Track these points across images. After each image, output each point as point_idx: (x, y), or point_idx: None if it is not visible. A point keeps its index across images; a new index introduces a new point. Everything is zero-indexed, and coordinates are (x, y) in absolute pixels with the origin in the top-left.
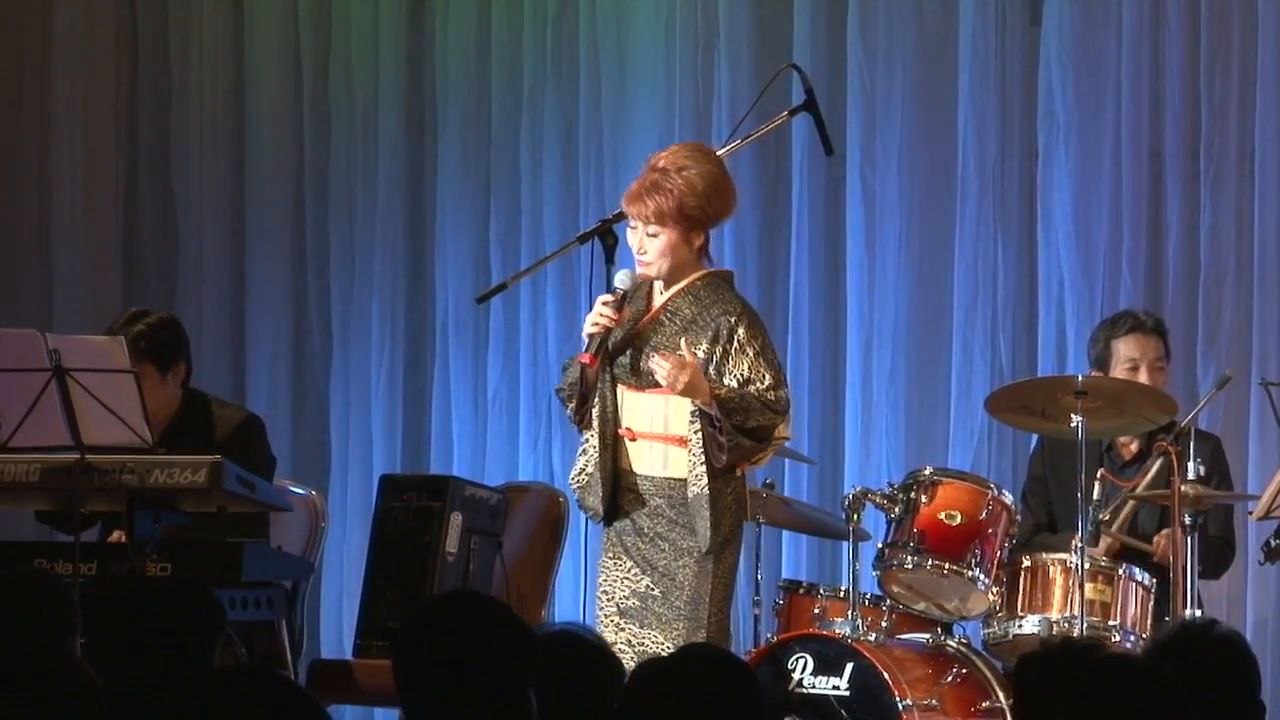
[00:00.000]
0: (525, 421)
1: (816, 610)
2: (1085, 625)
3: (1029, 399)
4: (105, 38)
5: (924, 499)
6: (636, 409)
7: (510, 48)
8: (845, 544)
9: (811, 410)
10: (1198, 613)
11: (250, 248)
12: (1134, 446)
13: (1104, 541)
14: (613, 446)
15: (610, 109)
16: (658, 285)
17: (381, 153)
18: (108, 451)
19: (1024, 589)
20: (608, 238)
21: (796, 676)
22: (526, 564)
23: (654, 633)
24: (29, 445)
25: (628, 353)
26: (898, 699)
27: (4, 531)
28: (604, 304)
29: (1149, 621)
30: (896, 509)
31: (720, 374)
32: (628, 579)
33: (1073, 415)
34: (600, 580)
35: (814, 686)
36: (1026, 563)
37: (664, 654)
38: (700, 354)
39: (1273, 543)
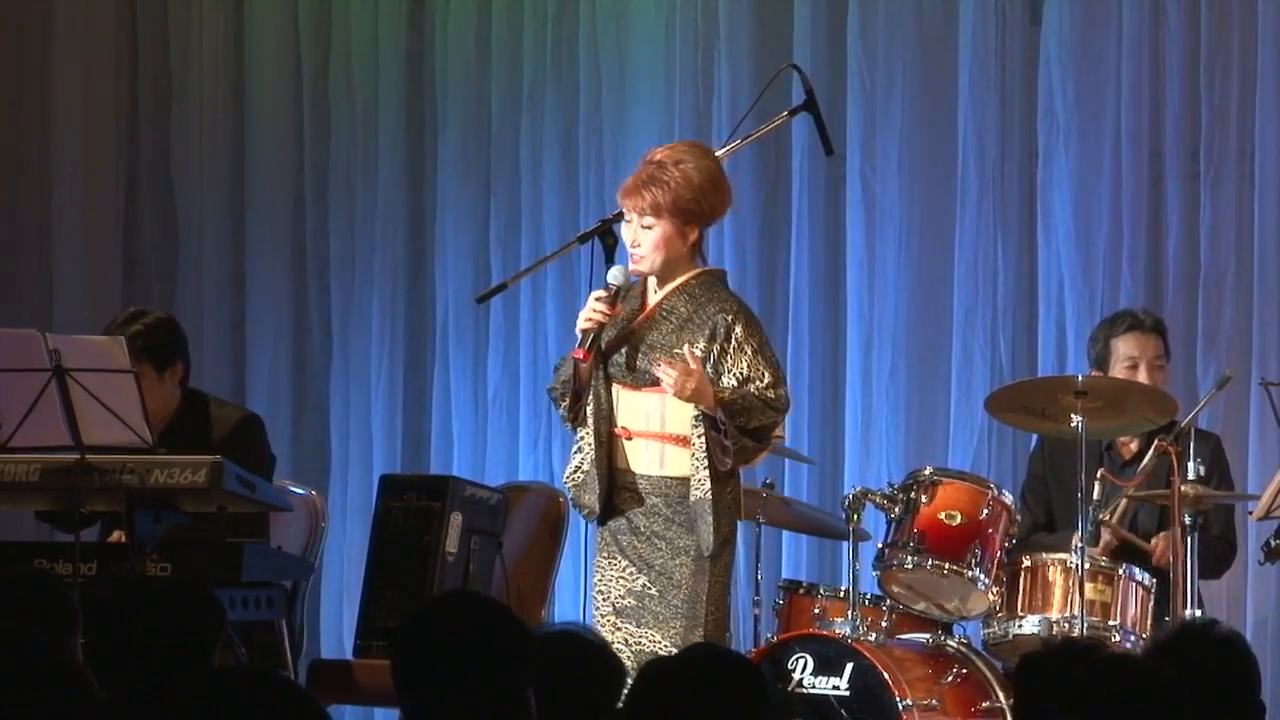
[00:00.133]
0: (525, 421)
1: (816, 610)
2: (1085, 625)
3: (1029, 399)
4: (105, 38)
5: (924, 499)
6: (633, 408)
7: (510, 48)
8: (845, 544)
9: (811, 410)
10: (1198, 613)
11: (250, 248)
12: (1134, 446)
13: (1103, 537)
14: (608, 445)
15: (610, 109)
16: (652, 284)
17: (381, 153)
18: (108, 451)
19: (1024, 589)
20: (608, 238)
21: (796, 676)
22: (526, 564)
23: (651, 632)
24: (29, 445)
25: (623, 351)
26: (898, 699)
27: (4, 531)
28: (597, 299)
29: (1149, 621)
30: (896, 509)
31: (719, 372)
32: (623, 578)
33: (1073, 415)
34: (595, 580)
35: (814, 686)
36: (1026, 563)
37: (662, 653)
38: (698, 353)
39: (1273, 543)
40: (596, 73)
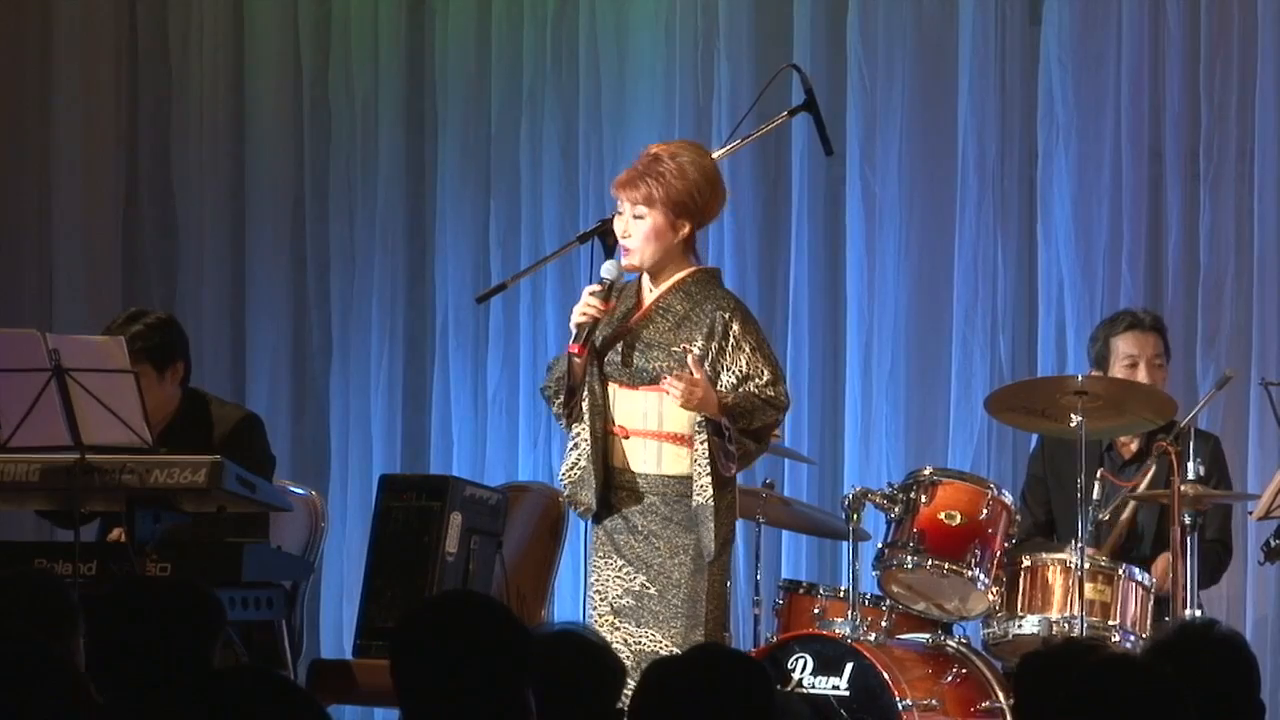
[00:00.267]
0: (525, 421)
1: (816, 610)
2: (1085, 625)
3: (1029, 399)
4: (105, 38)
5: (924, 499)
6: (629, 406)
7: (510, 48)
8: (845, 544)
9: (811, 410)
10: (1198, 613)
11: (250, 248)
12: (1134, 445)
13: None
14: (603, 442)
15: (610, 109)
16: (646, 282)
17: (381, 153)
18: (107, 451)
19: (1024, 589)
20: (608, 238)
21: (796, 676)
22: (526, 564)
23: (651, 631)
24: (29, 445)
25: (619, 350)
26: (898, 699)
27: (4, 531)
28: (591, 294)
29: (1149, 621)
30: (896, 509)
31: (717, 370)
32: (620, 578)
33: (1073, 415)
34: (591, 580)
35: (814, 686)
36: (1026, 563)
37: (663, 653)
38: (696, 350)
39: (1273, 543)
40: (596, 73)
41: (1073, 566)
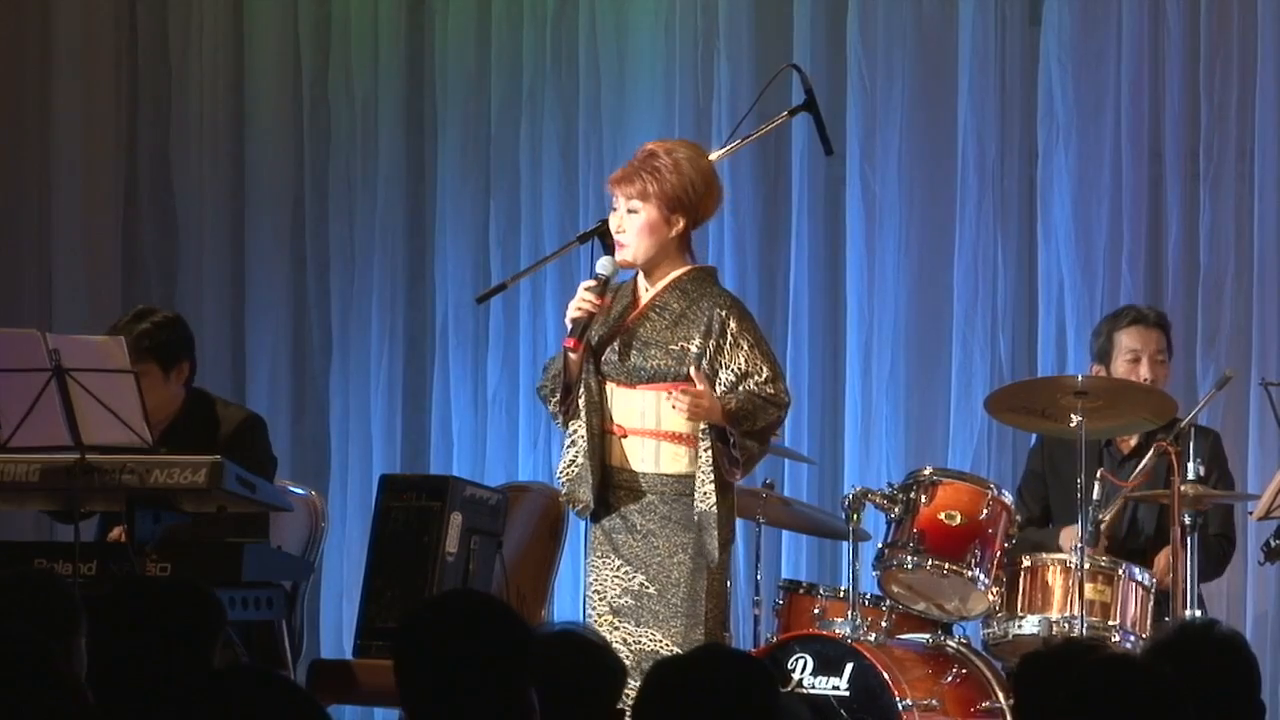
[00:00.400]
0: (525, 421)
1: (816, 610)
2: (1085, 625)
3: (1029, 399)
4: (105, 38)
5: (924, 499)
6: (627, 405)
7: (510, 48)
8: (845, 544)
9: (811, 410)
10: (1198, 613)
11: (250, 248)
12: (1132, 441)
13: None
14: (600, 440)
15: (610, 109)
16: (642, 281)
17: (381, 153)
18: (108, 451)
19: (1024, 589)
20: (607, 238)
21: (796, 676)
22: (526, 564)
23: (651, 630)
24: (29, 445)
25: (616, 349)
26: (898, 699)
27: (4, 531)
28: (586, 289)
29: (1149, 621)
30: (896, 509)
31: (715, 368)
32: (619, 577)
33: (1072, 415)
34: (590, 580)
35: (814, 687)
36: (1026, 563)
37: (664, 652)
38: (693, 348)
39: (1273, 543)
40: (596, 73)
41: (1073, 566)
